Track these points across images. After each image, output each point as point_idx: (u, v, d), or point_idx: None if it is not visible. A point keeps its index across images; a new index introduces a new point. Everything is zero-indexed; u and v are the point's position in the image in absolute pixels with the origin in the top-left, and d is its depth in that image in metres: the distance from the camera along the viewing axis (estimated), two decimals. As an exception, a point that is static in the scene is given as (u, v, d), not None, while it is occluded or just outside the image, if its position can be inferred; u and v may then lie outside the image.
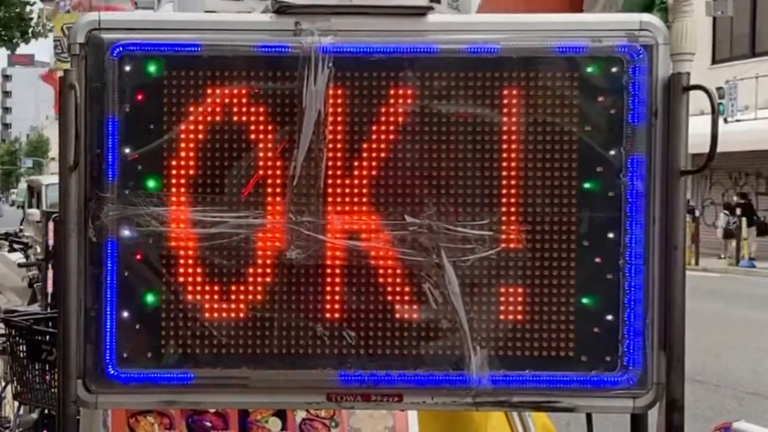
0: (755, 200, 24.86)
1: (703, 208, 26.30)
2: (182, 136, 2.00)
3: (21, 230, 13.09)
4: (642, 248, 1.99)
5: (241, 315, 2.01)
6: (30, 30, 20.73)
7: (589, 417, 2.24)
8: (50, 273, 5.71)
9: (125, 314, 2.01)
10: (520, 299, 2.01)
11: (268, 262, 2.00)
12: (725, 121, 23.36)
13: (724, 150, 21.38)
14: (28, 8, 20.56)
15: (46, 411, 4.35)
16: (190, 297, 2.01)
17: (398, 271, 2.00)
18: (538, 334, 2.01)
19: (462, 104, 2.00)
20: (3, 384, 5.15)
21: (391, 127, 2.00)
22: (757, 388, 9.12)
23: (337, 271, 2.00)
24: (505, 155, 2.00)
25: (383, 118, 2.00)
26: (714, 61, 25.97)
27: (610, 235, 2.00)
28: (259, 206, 2.00)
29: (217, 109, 2.00)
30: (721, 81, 23.79)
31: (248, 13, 2.18)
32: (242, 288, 2.01)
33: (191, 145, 2.00)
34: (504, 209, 2.00)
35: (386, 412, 2.66)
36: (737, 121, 23.97)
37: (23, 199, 26.16)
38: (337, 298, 2.01)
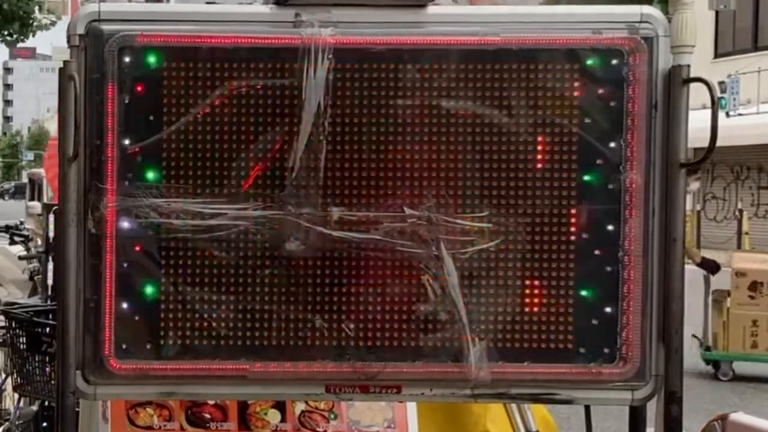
0: (757, 194, 24.83)
1: (704, 201, 26.28)
2: (182, 127, 2.00)
3: (22, 223, 13.11)
4: (641, 240, 1.99)
5: (240, 307, 2.01)
6: (31, 23, 20.70)
7: (587, 409, 2.24)
8: (50, 265, 5.72)
9: (124, 305, 2.01)
10: (519, 291, 2.01)
11: (267, 253, 2.00)
12: (727, 115, 23.31)
13: (726, 144, 21.35)
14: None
15: (47, 403, 4.36)
16: (189, 288, 2.01)
17: (397, 263, 2.00)
18: (537, 326, 2.01)
19: (462, 96, 2.00)
20: (3, 376, 5.17)
21: (391, 119, 2.00)
22: (757, 383, 9.13)
23: (336, 263, 2.00)
24: (504, 147, 2.00)
25: (383, 110, 2.00)
26: (716, 55, 25.92)
27: (610, 228, 2.00)
28: (258, 198, 2.00)
29: (217, 101, 2.00)
30: (724, 75, 23.75)
31: (248, 5, 2.17)
32: (241, 280, 2.01)
33: (191, 136, 2.00)
34: (503, 201, 2.00)
35: (386, 405, 2.66)
36: (739, 115, 23.92)
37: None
38: (335, 290, 2.01)
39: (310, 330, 2.02)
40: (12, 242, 10.66)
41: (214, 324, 2.02)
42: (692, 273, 10.05)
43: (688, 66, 1.98)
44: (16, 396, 4.66)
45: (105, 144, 1.99)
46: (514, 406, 3.10)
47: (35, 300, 5.75)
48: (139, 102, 2.00)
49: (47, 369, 4.07)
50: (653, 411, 2.06)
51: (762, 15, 25.16)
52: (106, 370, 2.01)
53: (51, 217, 5.74)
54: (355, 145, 2.00)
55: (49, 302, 4.78)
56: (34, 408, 4.55)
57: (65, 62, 2.00)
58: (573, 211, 2.00)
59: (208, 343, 2.02)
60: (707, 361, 9.70)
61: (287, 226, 1.99)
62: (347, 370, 2.02)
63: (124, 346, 2.02)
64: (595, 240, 2.00)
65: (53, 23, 21.40)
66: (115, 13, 2.02)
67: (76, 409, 2.25)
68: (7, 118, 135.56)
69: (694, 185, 9.89)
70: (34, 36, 20.98)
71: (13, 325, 4.18)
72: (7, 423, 4.89)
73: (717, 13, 22.28)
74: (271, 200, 2.00)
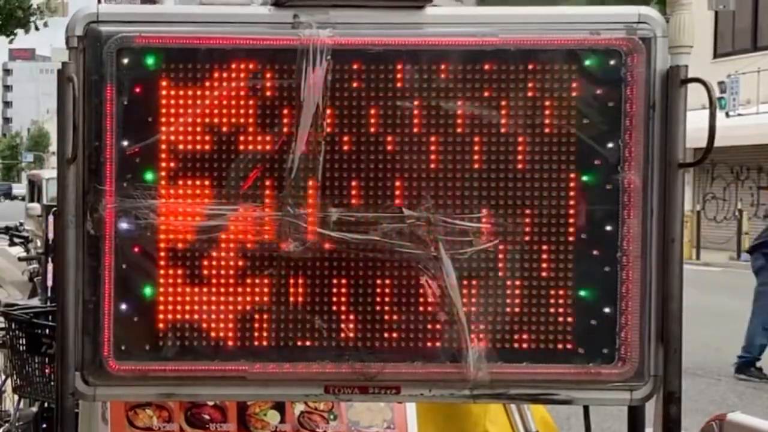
0: (757, 194, 24.82)
1: (704, 202, 26.28)
2: (180, 128, 2.00)
3: (21, 224, 13.10)
4: (640, 241, 1.99)
5: (239, 308, 2.02)
6: (30, 19, 20.78)
7: (586, 409, 2.24)
8: (50, 267, 5.71)
9: (123, 306, 2.01)
10: (517, 292, 2.01)
11: (266, 254, 2.01)
12: (727, 115, 23.33)
13: (726, 144, 21.38)
14: None
15: (46, 404, 4.36)
16: (188, 289, 2.01)
17: (396, 264, 2.00)
18: (536, 326, 2.01)
19: (460, 97, 2.00)
20: (3, 377, 5.16)
21: (389, 120, 2.00)
22: (757, 383, 9.12)
23: (335, 263, 2.01)
24: (503, 148, 2.00)
25: (381, 111, 2.00)
26: (716, 55, 25.93)
27: (608, 228, 2.00)
28: (257, 199, 2.00)
29: (215, 102, 2.00)
30: (723, 75, 23.76)
31: (247, 6, 2.18)
32: (240, 281, 2.01)
33: (189, 137, 2.00)
34: (502, 202, 2.00)
35: (385, 406, 2.66)
36: (739, 115, 23.92)
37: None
38: (334, 290, 2.01)
39: (309, 331, 2.02)
40: (12, 243, 10.67)
41: (213, 325, 2.02)
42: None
43: (686, 66, 1.99)
44: (16, 397, 4.67)
45: (104, 145, 1.99)
46: (513, 406, 3.10)
47: (35, 301, 5.75)
48: (138, 103, 2.00)
49: (47, 370, 4.07)
50: (652, 411, 2.06)
51: (761, 15, 25.16)
52: (105, 371, 2.01)
53: (50, 219, 5.74)
54: (353, 146, 2.00)
55: (48, 304, 4.78)
56: (34, 409, 4.55)
57: (64, 64, 2.00)
58: (571, 211, 2.00)
59: (207, 344, 2.02)
60: None
61: (286, 227, 1.99)
62: (346, 370, 2.02)
63: (123, 347, 2.02)
64: (593, 240, 2.00)
65: (54, 10, 21.44)
66: (113, 14, 2.02)
67: (76, 410, 2.25)
68: (7, 120, 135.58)
69: None
70: (37, 23, 21.02)
71: (13, 326, 4.18)
72: (6, 424, 4.89)
73: (716, 13, 22.26)
74: (270, 201, 2.00)
